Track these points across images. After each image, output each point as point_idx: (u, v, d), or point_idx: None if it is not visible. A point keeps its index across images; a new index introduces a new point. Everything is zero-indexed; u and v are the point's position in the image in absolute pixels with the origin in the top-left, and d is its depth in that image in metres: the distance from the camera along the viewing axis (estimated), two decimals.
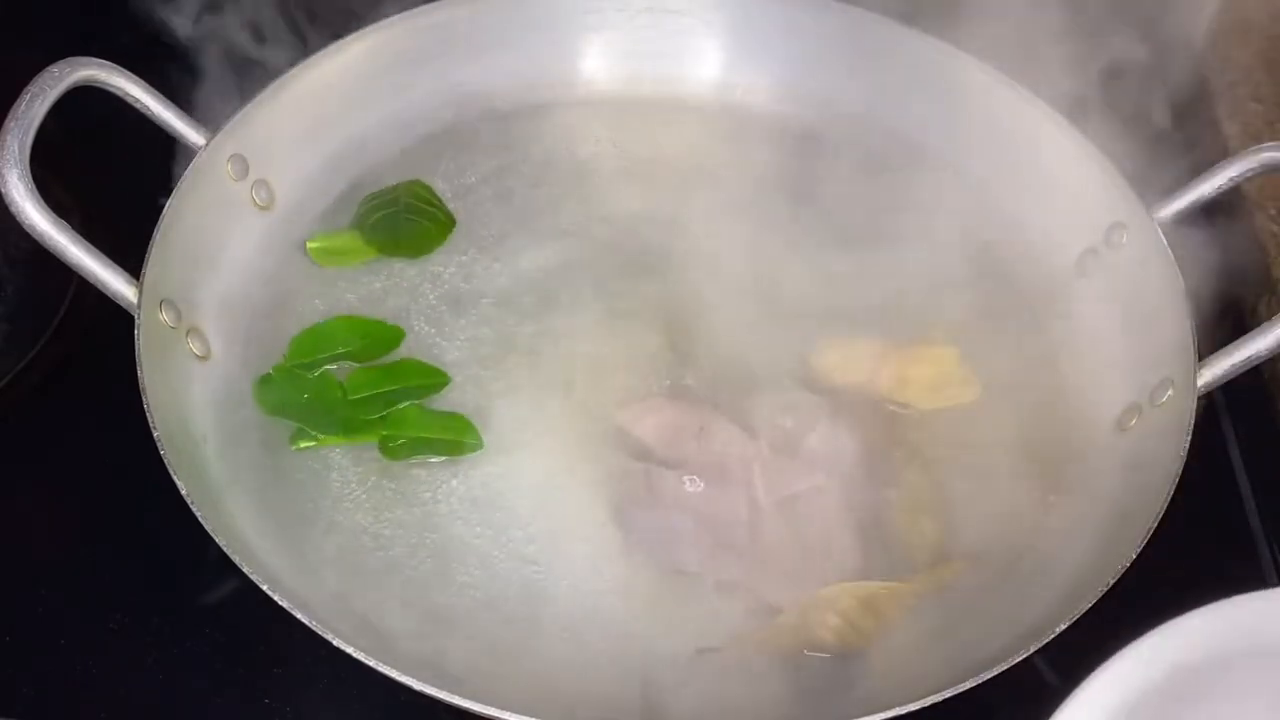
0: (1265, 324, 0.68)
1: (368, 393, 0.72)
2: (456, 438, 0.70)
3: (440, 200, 0.81)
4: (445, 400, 0.73)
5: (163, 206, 0.71)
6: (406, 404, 0.71)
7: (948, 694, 0.57)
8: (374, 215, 0.80)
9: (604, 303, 0.77)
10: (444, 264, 0.79)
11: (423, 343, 0.75)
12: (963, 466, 0.71)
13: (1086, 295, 0.78)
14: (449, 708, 0.57)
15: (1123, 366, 0.73)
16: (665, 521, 0.68)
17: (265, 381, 0.72)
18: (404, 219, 0.80)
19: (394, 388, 0.72)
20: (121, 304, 0.67)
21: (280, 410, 0.71)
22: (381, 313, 0.76)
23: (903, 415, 0.73)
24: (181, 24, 0.81)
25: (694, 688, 0.63)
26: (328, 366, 0.73)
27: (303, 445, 0.70)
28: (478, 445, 0.70)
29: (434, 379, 0.73)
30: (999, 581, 0.67)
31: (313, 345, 0.74)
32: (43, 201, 0.64)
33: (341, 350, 0.74)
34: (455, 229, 0.80)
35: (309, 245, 0.79)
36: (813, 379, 0.74)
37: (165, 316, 0.69)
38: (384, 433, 0.70)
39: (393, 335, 0.75)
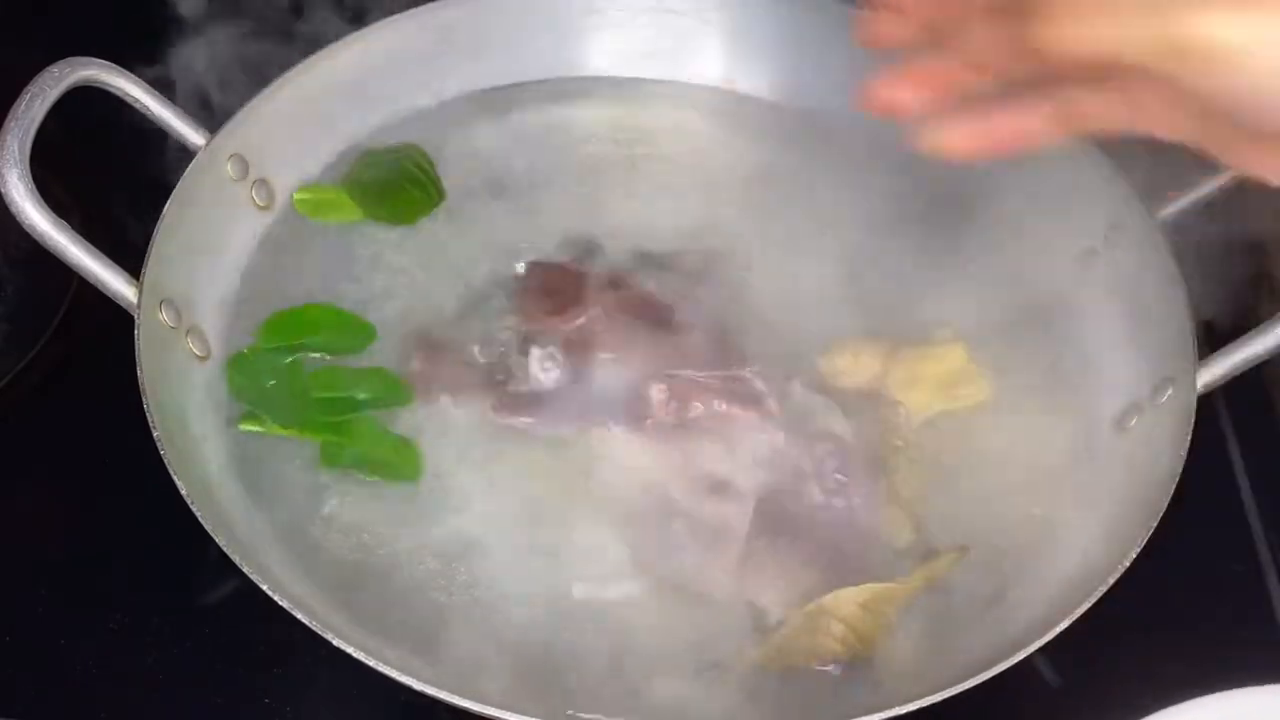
0: (1265, 324, 0.68)
1: (329, 394, 0.71)
2: (396, 462, 0.69)
3: (433, 170, 0.82)
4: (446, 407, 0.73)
5: (163, 206, 0.71)
6: (364, 414, 0.70)
7: (948, 694, 0.57)
8: (365, 174, 0.80)
9: (604, 301, 0.77)
10: (444, 265, 0.79)
11: (422, 352, 0.75)
12: (963, 466, 0.71)
13: (1086, 295, 0.77)
14: (449, 708, 0.57)
15: (1122, 366, 0.73)
16: (663, 534, 0.67)
17: (237, 360, 0.72)
18: (394, 185, 0.80)
19: (356, 394, 0.71)
20: (121, 304, 0.67)
21: (241, 391, 0.71)
22: (382, 313, 0.76)
23: (908, 417, 0.73)
24: None
25: (697, 706, 0.63)
26: (300, 355, 0.73)
27: (246, 427, 0.70)
28: (414, 476, 0.69)
29: (396, 394, 0.71)
30: (996, 578, 0.67)
31: (282, 329, 0.74)
32: (43, 201, 0.64)
33: (310, 338, 0.73)
34: (455, 224, 0.80)
35: (295, 196, 0.79)
36: (821, 381, 0.73)
37: (165, 316, 0.69)
38: (330, 437, 0.69)
39: (364, 331, 0.74)
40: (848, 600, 0.64)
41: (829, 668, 0.64)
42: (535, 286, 0.77)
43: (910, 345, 0.74)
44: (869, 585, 0.65)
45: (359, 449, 0.69)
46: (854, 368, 0.74)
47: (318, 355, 0.73)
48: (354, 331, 0.74)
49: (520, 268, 0.78)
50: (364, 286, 0.77)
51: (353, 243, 0.80)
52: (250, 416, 0.70)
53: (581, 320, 0.74)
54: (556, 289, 0.76)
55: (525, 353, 0.73)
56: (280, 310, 0.74)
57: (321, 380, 0.72)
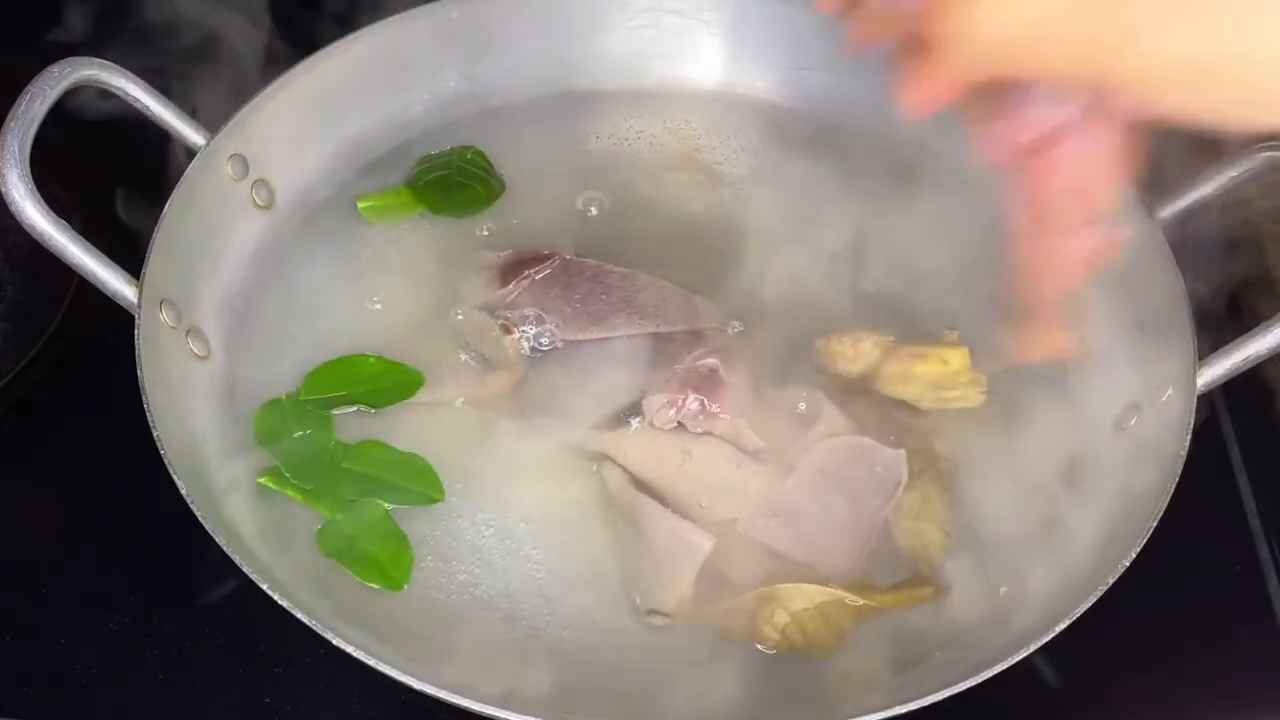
0: (1265, 324, 0.68)
1: (362, 470, 0.69)
2: (386, 565, 0.66)
3: (493, 167, 0.83)
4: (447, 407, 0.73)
5: (163, 206, 0.71)
6: (380, 503, 0.68)
7: (947, 693, 0.57)
8: (429, 175, 0.82)
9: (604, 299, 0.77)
10: (442, 261, 0.79)
11: (420, 349, 0.75)
12: (964, 466, 0.71)
13: (1086, 295, 0.77)
14: (449, 707, 0.57)
15: (1123, 366, 0.73)
16: (650, 556, 0.67)
17: (270, 406, 0.71)
18: (456, 180, 0.82)
19: (390, 479, 0.69)
20: (121, 304, 0.67)
21: (267, 438, 0.70)
22: (380, 311, 0.76)
23: (909, 416, 0.73)
24: None
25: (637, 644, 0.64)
26: (343, 409, 0.71)
27: (264, 482, 0.68)
28: (398, 585, 0.65)
29: (430, 491, 0.69)
30: (996, 577, 0.67)
31: (327, 381, 0.72)
32: (43, 201, 0.64)
33: (356, 390, 0.72)
34: (455, 223, 0.81)
35: (360, 205, 0.81)
36: (819, 365, 0.74)
37: (165, 316, 0.69)
38: (337, 514, 0.67)
39: (413, 379, 0.73)
40: (804, 596, 0.64)
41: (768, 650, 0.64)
42: (506, 265, 0.77)
43: (912, 343, 0.74)
44: (832, 589, 0.65)
45: (356, 538, 0.66)
46: (852, 354, 0.73)
47: (355, 409, 0.72)
48: (402, 381, 0.73)
49: (498, 256, 0.78)
50: (362, 284, 0.78)
51: (350, 242, 0.80)
52: (271, 472, 0.68)
53: (542, 275, 0.76)
54: (523, 265, 0.77)
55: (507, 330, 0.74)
56: (328, 361, 0.73)
57: (360, 454, 0.69)
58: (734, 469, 0.70)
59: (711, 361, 0.72)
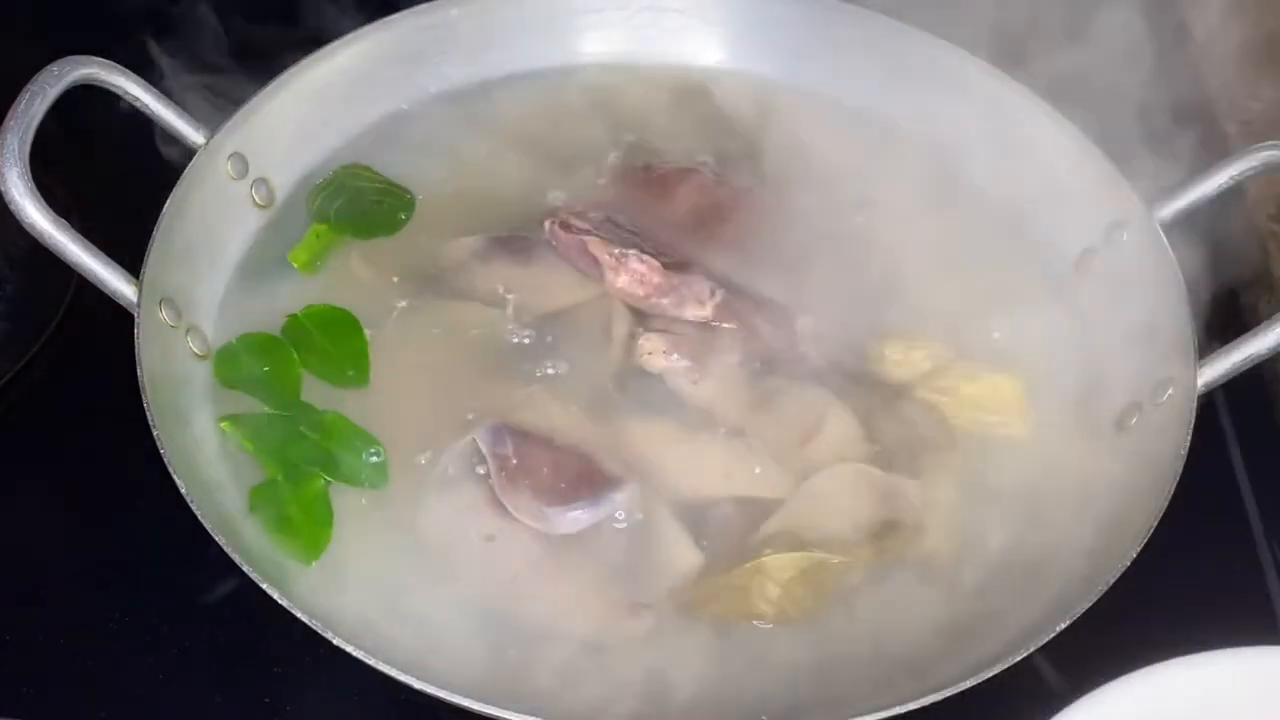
0: (1265, 324, 0.68)
1: (318, 439, 0.68)
2: (302, 534, 0.65)
3: (386, 178, 0.81)
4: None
5: (163, 206, 0.71)
6: (321, 476, 0.67)
7: (948, 693, 0.57)
8: (334, 204, 0.79)
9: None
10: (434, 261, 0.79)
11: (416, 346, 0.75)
12: (965, 460, 0.71)
13: (1086, 294, 0.77)
14: (449, 707, 0.57)
15: (1123, 366, 0.73)
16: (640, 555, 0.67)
17: (225, 353, 0.72)
18: (368, 203, 0.80)
19: (340, 454, 0.68)
20: (121, 303, 0.67)
21: (236, 382, 0.71)
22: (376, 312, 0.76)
23: (938, 427, 0.72)
24: None
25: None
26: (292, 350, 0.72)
27: (224, 425, 0.69)
28: (306, 559, 0.65)
29: (375, 477, 0.68)
30: (994, 575, 0.67)
31: (310, 317, 0.74)
32: (42, 200, 0.64)
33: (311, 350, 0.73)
34: (438, 221, 0.80)
35: (291, 259, 0.77)
36: (861, 366, 0.73)
37: (165, 315, 0.69)
38: (277, 473, 0.67)
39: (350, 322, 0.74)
40: (788, 565, 0.64)
41: (764, 624, 0.64)
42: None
43: (967, 362, 0.73)
44: (811, 554, 0.65)
45: (286, 502, 0.66)
46: (902, 361, 0.73)
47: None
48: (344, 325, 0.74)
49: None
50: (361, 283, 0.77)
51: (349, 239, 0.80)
52: (232, 418, 0.69)
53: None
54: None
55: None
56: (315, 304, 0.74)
57: (319, 423, 0.69)
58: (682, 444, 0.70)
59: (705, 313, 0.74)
